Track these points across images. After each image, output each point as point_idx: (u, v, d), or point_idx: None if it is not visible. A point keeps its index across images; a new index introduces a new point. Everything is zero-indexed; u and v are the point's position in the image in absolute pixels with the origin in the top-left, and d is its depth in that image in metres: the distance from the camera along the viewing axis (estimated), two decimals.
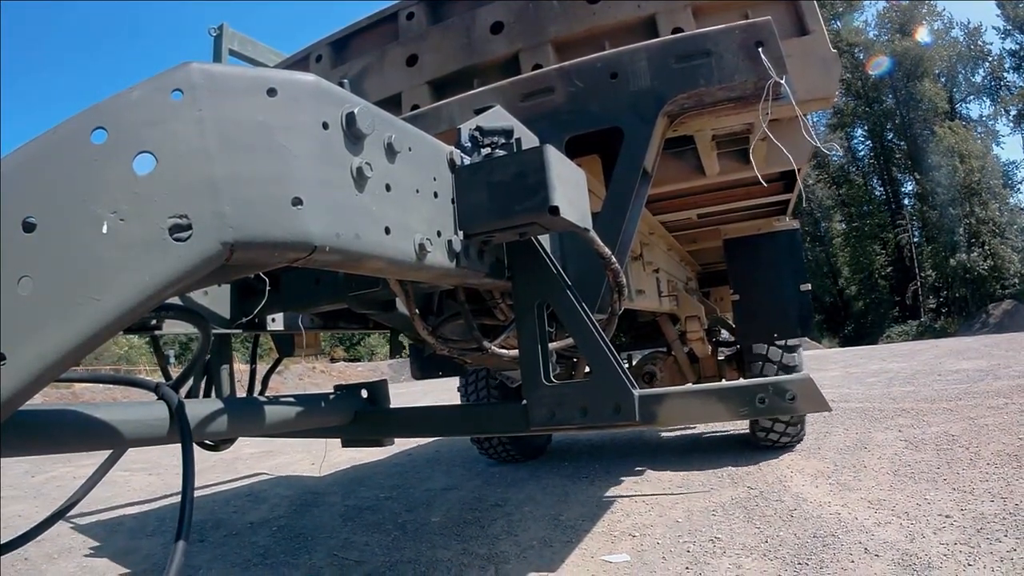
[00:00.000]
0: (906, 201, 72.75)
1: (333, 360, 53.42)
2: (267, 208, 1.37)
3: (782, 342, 7.21)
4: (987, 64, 69.69)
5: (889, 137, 73.10)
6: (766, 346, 7.27)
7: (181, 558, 1.60)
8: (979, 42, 70.20)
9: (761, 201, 5.97)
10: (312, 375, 44.66)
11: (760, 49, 2.75)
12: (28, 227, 1.24)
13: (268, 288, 3.00)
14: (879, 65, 67.23)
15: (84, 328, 1.26)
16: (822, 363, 22.45)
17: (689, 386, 2.52)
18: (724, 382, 2.75)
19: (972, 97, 71.85)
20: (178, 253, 1.29)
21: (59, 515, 2.19)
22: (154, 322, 3.08)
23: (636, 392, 2.31)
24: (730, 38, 2.81)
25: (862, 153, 75.90)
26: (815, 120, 73.32)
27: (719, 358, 8.87)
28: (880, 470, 6.40)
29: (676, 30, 3.33)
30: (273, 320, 3.67)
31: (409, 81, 4.00)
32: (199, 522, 6.81)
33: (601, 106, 2.96)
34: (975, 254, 62.06)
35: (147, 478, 10.13)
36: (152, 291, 1.29)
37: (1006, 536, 4.28)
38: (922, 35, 68.54)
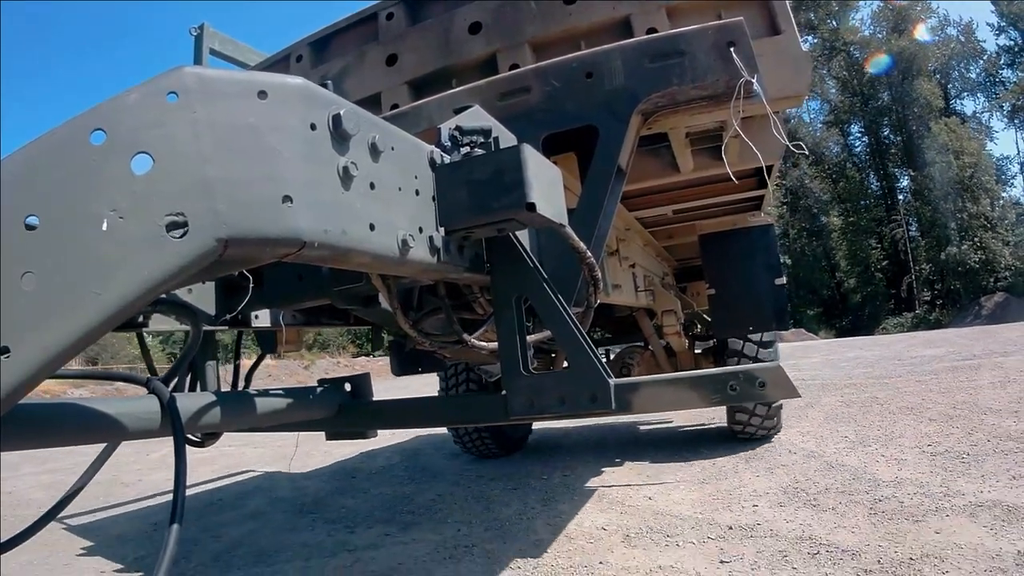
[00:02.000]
0: (901, 196, 73.70)
1: (354, 355, 53.45)
2: (259, 206, 1.44)
3: (758, 336, 7.32)
4: (982, 61, 70.74)
5: (885, 133, 74.24)
6: (742, 340, 7.37)
7: (174, 544, 1.64)
8: (973, 39, 71.16)
9: (736, 197, 6.06)
10: (336, 369, 44.79)
11: (732, 49, 2.82)
12: (30, 225, 1.28)
13: (252, 285, 3.05)
14: (878, 64, 67.81)
15: (85, 322, 1.30)
16: (807, 352, 26.00)
17: (662, 375, 2.59)
18: (695, 371, 2.81)
19: (967, 93, 73.28)
20: (175, 249, 1.35)
21: (53, 513, 2.23)
22: (141, 319, 3.12)
23: (612, 381, 2.40)
24: (703, 38, 2.88)
25: (858, 149, 77.18)
26: (812, 117, 73.92)
27: (696, 352, 8.96)
28: (815, 417, 9.32)
29: (651, 30, 3.39)
30: (257, 317, 3.72)
31: (389, 81, 4.05)
32: None
33: (577, 105, 3.02)
34: (966, 247, 63.05)
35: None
36: (151, 286, 1.34)
37: (877, 444, 7.27)
38: (918, 33, 69.36)
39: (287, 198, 1.48)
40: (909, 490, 5.34)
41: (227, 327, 3.58)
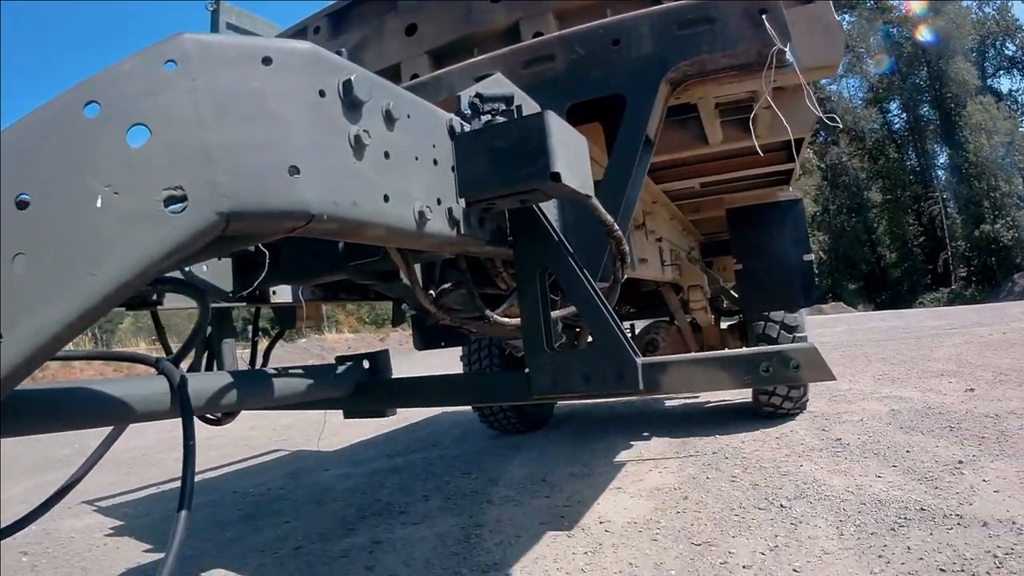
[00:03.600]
0: (939, 173, 74.02)
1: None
2: (263, 177, 1.35)
3: (785, 311, 7.23)
4: (1018, 38, 70.41)
5: (922, 111, 74.13)
6: (769, 316, 7.29)
7: (183, 528, 1.60)
8: (1009, 17, 70.70)
9: (764, 171, 5.96)
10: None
11: (764, 16, 2.73)
12: (21, 204, 1.24)
13: (268, 260, 2.99)
14: (923, 35, 67.55)
15: (81, 302, 1.25)
16: (836, 323, 29.04)
17: (692, 354, 2.50)
18: (727, 350, 2.73)
19: (1003, 71, 72.91)
20: (174, 224, 1.27)
21: (59, 496, 2.17)
22: (155, 297, 3.06)
23: (639, 360, 2.30)
24: (734, 5, 2.78)
25: (897, 126, 77.18)
26: (851, 94, 73.76)
27: (722, 327, 8.89)
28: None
29: None
30: (275, 293, 3.66)
31: (408, 51, 3.96)
32: None
33: (603, 73, 2.93)
34: (999, 225, 63.45)
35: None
36: (148, 263, 1.27)
37: (848, 376, 11.08)
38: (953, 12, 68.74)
39: (293, 169, 1.39)
40: (854, 392, 9.64)
41: (245, 304, 3.52)
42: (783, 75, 2.84)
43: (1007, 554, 3.79)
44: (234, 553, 5.31)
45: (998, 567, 3.66)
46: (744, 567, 4.06)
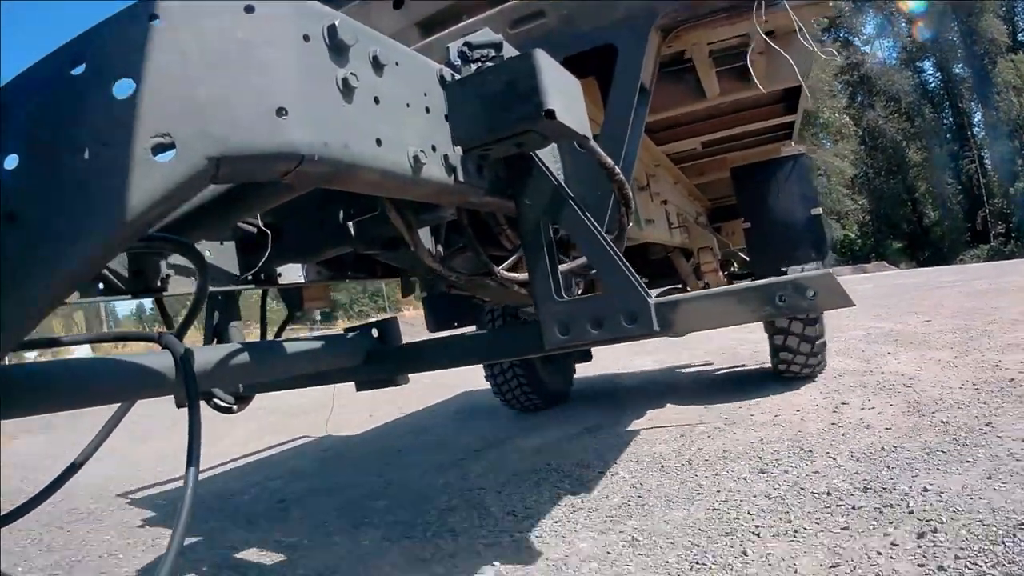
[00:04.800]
0: (976, 131, 73.91)
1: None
2: (251, 120, 1.34)
3: (799, 268, 7.18)
4: None
5: (956, 70, 73.69)
6: (783, 272, 7.25)
7: (192, 491, 1.60)
8: None
9: (765, 125, 5.94)
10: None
11: None
12: (10, 163, 1.25)
13: (271, 239, 2.97)
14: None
15: (72, 258, 1.25)
16: (866, 281, 30.75)
17: (705, 290, 2.46)
18: (740, 283, 2.70)
19: None
20: (162, 171, 1.26)
21: (61, 481, 2.16)
22: (159, 283, 3.04)
23: (651, 300, 2.26)
24: None
25: (932, 85, 76.83)
26: (885, 56, 73.53)
27: None
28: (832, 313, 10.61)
29: None
30: (280, 275, 3.63)
31: (397, 23, 3.92)
32: None
33: (593, 25, 2.92)
34: None
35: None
36: (139, 212, 1.26)
37: (852, 317, 13.41)
38: None
39: (281, 111, 1.37)
40: (846, 325, 12.34)
41: (253, 286, 3.50)
42: (775, 14, 2.82)
43: (893, 385, 7.37)
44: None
45: (887, 389, 7.27)
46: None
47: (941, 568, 3.29)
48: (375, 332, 3.10)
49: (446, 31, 3.30)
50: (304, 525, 5.66)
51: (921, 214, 75.13)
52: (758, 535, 4.03)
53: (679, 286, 8.70)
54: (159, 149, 1.26)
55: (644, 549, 4.13)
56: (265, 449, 9.57)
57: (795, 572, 3.53)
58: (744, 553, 3.81)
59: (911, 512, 3.98)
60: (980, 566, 3.24)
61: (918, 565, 3.38)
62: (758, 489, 4.79)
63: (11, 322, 1.25)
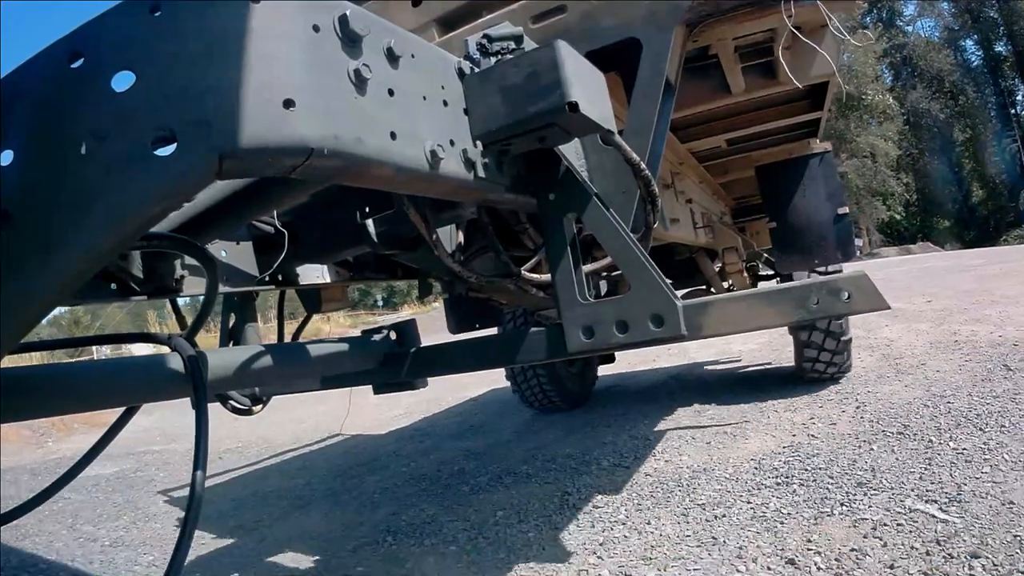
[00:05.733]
0: (1018, 110, 73.87)
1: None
2: (256, 113, 1.26)
3: (823, 268, 7.09)
4: None
5: (998, 48, 73.65)
6: (807, 275, 7.16)
7: (200, 491, 1.60)
8: None
9: (790, 122, 5.82)
10: None
11: None
12: (6, 159, 1.23)
13: (287, 240, 2.93)
14: None
15: (70, 257, 1.21)
16: (904, 263, 33.39)
17: (734, 292, 2.38)
18: (772, 285, 2.64)
19: None
20: (163, 167, 1.20)
21: (63, 482, 2.13)
22: (174, 284, 2.99)
23: (679, 302, 2.17)
24: None
25: (975, 64, 76.63)
26: (927, 35, 73.08)
27: None
28: None
29: None
30: (299, 275, 3.58)
31: (416, 21, 3.87)
32: None
33: (616, 19, 2.83)
34: None
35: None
36: (139, 209, 1.22)
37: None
38: None
39: (288, 103, 1.30)
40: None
41: (273, 287, 3.46)
42: (802, 8, 2.75)
43: (877, 346, 9.84)
44: None
45: (872, 348, 9.88)
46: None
47: (865, 419, 6.49)
48: (392, 334, 3.03)
49: (467, 26, 3.23)
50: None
51: (967, 194, 74.67)
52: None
53: (703, 287, 8.63)
54: (159, 143, 1.21)
55: None
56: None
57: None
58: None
59: (857, 401, 7.22)
60: (885, 421, 6.27)
61: (855, 420, 6.55)
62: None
63: (8, 322, 1.22)
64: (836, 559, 3.71)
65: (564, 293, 2.30)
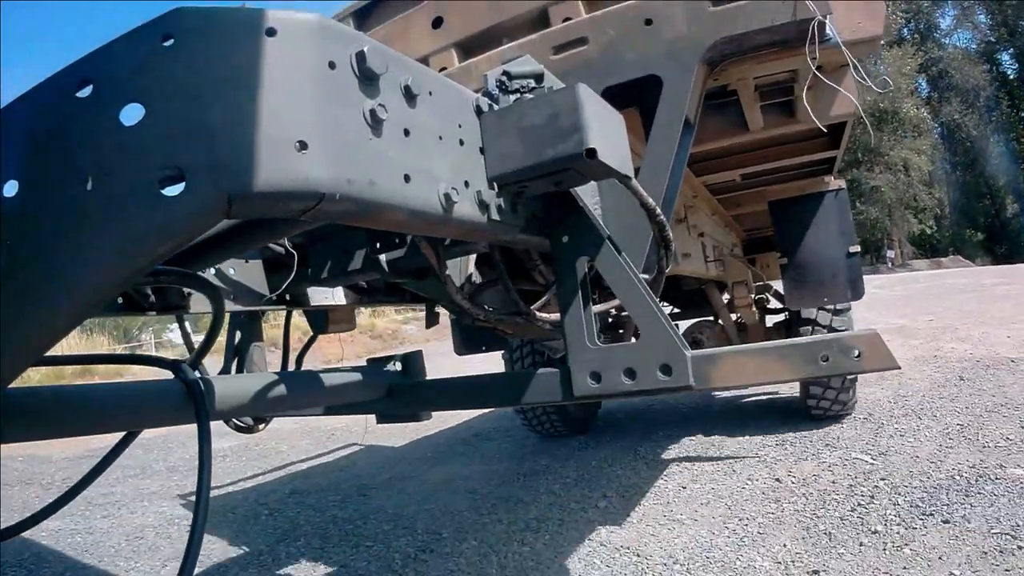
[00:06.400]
0: None
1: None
2: (267, 153, 1.23)
3: (832, 306, 7.06)
4: None
5: None
6: (816, 311, 7.13)
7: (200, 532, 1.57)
8: None
9: (806, 159, 5.81)
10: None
11: None
12: (9, 190, 1.19)
13: (297, 262, 2.91)
14: None
15: (71, 294, 1.18)
16: (928, 278, 35.00)
17: (746, 345, 2.34)
18: (782, 340, 2.60)
19: None
20: (169, 206, 1.17)
21: (63, 501, 2.11)
22: (181, 301, 2.97)
23: (688, 353, 2.13)
24: None
25: (1012, 77, 76.07)
26: (964, 45, 72.84)
27: (767, 326, 8.71)
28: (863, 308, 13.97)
29: None
30: (306, 295, 3.56)
31: (435, 44, 3.85)
32: None
33: (637, 54, 2.82)
34: None
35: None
36: (143, 248, 1.18)
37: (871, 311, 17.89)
38: None
39: (301, 144, 1.27)
40: (862, 320, 10.10)
41: (282, 307, 3.43)
42: (824, 50, 2.73)
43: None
44: None
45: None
46: None
47: None
48: (398, 365, 3.00)
49: (485, 55, 3.21)
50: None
51: (1000, 207, 74.23)
52: None
53: (711, 319, 8.60)
54: (167, 181, 1.18)
55: None
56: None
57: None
58: None
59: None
60: (856, 411, 8.02)
61: None
62: None
63: (9, 353, 1.19)
64: (803, 480, 6.15)
65: (573, 336, 2.26)
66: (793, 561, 4.53)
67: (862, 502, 5.38)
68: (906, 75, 57.68)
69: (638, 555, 4.88)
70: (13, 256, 1.18)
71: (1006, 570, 3.98)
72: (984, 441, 6.49)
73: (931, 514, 4.92)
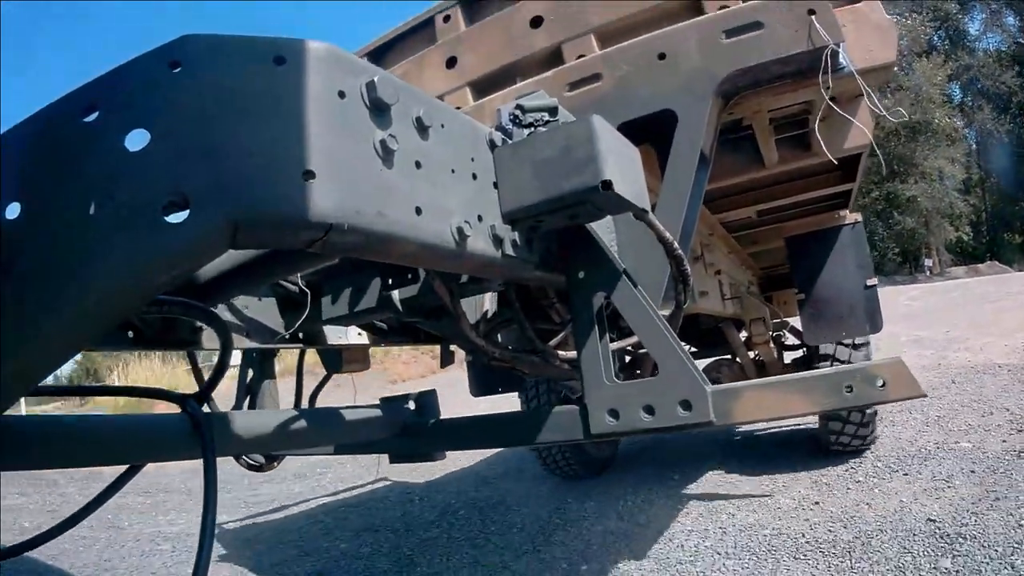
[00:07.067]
0: None
1: None
2: (274, 181, 1.21)
3: (851, 341, 6.99)
4: None
5: None
6: (834, 346, 7.05)
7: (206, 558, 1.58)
8: None
9: (821, 193, 5.76)
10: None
11: (813, 17, 2.61)
12: (11, 212, 1.18)
13: (309, 300, 2.89)
14: None
15: (70, 320, 1.16)
16: (952, 289, 32.21)
17: (767, 379, 2.29)
18: (804, 372, 2.56)
19: None
20: (173, 233, 1.15)
21: (63, 528, 2.06)
22: (192, 336, 2.94)
23: (709, 388, 2.08)
24: (781, 8, 2.66)
25: None
26: (994, 48, 72.09)
27: (785, 363, 8.63)
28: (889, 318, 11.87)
29: (723, 8, 3.16)
30: (320, 333, 3.53)
31: (449, 84, 3.86)
32: None
33: (651, 89, 2.81)
34: None
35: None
36: (146, 276, 1.17)
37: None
38: None
39: (308, 173, 1.24)
40: (898, 333, 14.33)
41: (295, 345, 3.41)
42: (838, 80, 2.71)
43: None
44: None
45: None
46: None
47: None
48: (412, 404, 2.96)
49: (499, 93, 3.21)
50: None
51: None
52: None
53: (729, 356, 8.52)
54: (172, 208, 1.16)
55: None
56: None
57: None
58: None
59: None
60: None
61: None
62: None
63: (7, 379, 1.17)
64: None
65: (590, 373, 2.21)
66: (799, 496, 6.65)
67: (853, 465, 7.38)
68: (937, 85, 57.38)
69: None
70: (12, 279, 1.16)
71: (937, 498, 5.95)
72: (951, 427, 8.07)
73: (897, 471, 6.90)
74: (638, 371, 7.48)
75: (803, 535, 5.75)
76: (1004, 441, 7.28)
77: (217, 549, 7.37)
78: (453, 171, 1.72)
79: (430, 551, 6.57)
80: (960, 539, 5.19)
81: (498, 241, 1.86)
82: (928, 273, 56.05)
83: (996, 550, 4.91)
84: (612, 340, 2.36)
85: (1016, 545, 4.91)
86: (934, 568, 4.85)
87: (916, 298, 28.50)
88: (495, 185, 1.93)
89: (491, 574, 5.79)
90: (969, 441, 7.50)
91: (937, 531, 5.42)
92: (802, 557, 5.37)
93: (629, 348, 2.65)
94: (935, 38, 64.80)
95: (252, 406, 3.42)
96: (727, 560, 5.41)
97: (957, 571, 4.76)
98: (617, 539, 6.31)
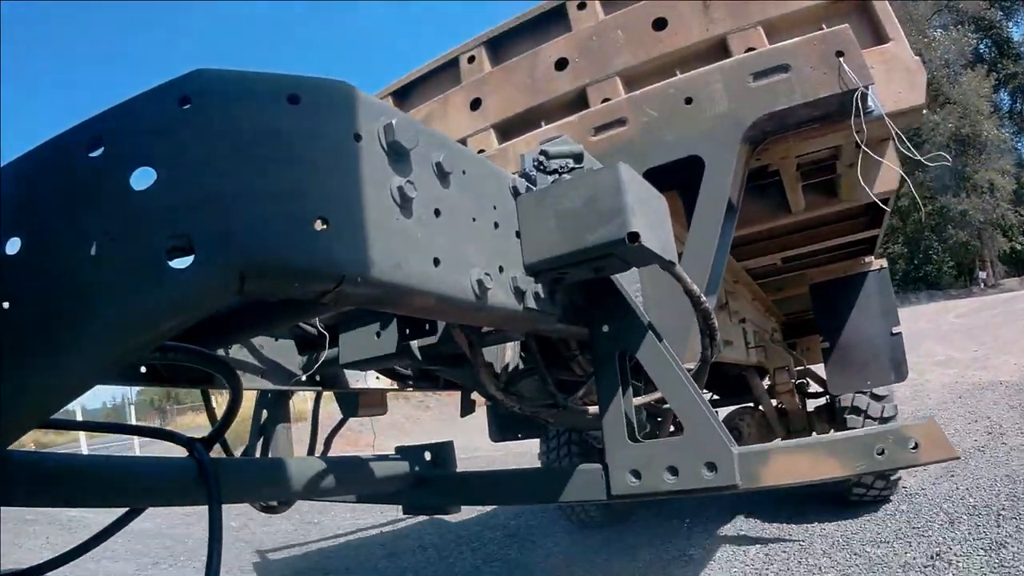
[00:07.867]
0: None
1: None
2: (284, 228, 1.16)
3: (874, 390, 6.89)
4: None
5: None
6: (854, 395, 6.98)
7: None
8: None
9: (847, 240, 5.72)
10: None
11: (841, 59, 2.56)
12: (12, 247, 1.14)
13: (327, 343, 2.84)
14: None
15: (72, 361, 1.11)
16: (999, 303, 34.91)
17: (795, 441, 2.20)
18: (834, 434, 2.47)
19: None
20: (177, 278, 1.10)
21: (57, 563, 2.00)
22: (207, 374, 2.89)
23: (735, 449, 1.99)
24: (808, 50, 2.63)
25: None
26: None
27: (808, 411, 8.50)
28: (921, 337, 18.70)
29: (749, 50, 3.09)
30: (338, 376, 3.46)
31: (474, 125, 3.83)
32: None
33: (678, 135, 2.76)
34: None
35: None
36: (147, 323, 1.12)
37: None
38: None
39: (322, 220, 1.19)
40: (936, 351, 18.54)
41: (318, 388, 3.36)
42: (868, 124, 2.66)
43: (912, 384, 11.07)
44: None
45: (910, 386, 12.31)
46: None
47: None
48: (428, 455, 2.88)
49: (523, 136, 3.16)
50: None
51: None
52: None
53: (752, 404, 8.39)
54: (176, 252, 1.10)
55: None
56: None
57: None
58: None
59: None
60: None
61: None
62: None
63: (7, 417, 1.13)
64: None
65: (612, 432, 2.13)
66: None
67: None
68: (984, 96, 57.21)
69: None
70: (11, 315, 1.12)
71: (914, 476, 7.39)
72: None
73: None
74: (660, 418, 7.38)
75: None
76: (975, 440, 9.09)
77: None
78: (474, 220, 1.66)
79: None
80: (917, 495, 7.52)
81: (520, 293, 1.79)
82: (982, 285, 56.26)
83: (939, 504, 7.05)
84: (637, 394, 2.29)
85: (949, 498, 7.17)
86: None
87: (963, 315, 29.89)
88: (517, 234, 1.86)
89: None
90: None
91: (904, 490, 7.63)
92: None
93: (652, 403, 2.55)
94: (981, 47, 64.37)
95: (265, 449, 3.35)
96: None
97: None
98: None
